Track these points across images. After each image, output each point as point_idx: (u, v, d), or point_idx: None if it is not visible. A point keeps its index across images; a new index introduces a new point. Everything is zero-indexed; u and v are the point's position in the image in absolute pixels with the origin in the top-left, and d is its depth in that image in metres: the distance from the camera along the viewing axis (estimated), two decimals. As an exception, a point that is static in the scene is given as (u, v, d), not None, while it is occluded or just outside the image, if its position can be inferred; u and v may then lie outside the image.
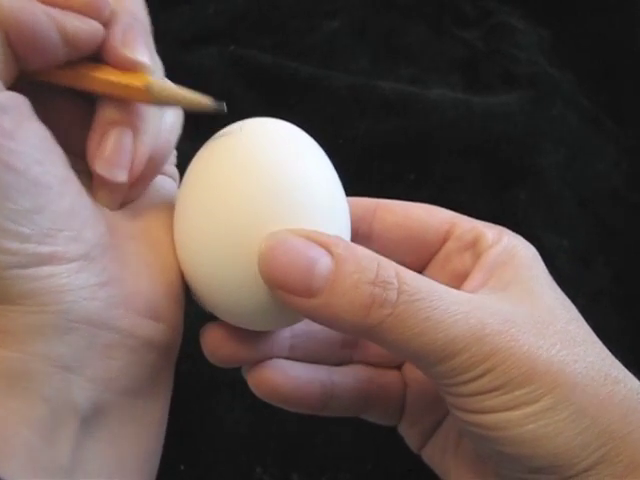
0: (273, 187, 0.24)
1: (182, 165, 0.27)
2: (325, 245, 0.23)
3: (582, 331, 0.25)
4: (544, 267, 0.28)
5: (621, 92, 0.52)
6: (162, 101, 0.24)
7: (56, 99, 0.25)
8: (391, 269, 0.23)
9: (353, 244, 0.24)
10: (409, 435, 0.30)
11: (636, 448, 0.23)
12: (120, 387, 0.24)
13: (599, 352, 0.25)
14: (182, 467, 0.36)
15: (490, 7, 0.56)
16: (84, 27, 0.23)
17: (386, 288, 0.23)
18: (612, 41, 0.54)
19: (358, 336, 0.24)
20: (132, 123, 0.25)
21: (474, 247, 0.28)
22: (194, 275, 0.25)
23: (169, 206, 0.27)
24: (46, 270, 0.22)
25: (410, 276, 0.23)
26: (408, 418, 0.30)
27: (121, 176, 0.25)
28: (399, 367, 0.30)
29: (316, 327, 0.28)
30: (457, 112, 0.48)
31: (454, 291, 0.24)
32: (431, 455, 0.30)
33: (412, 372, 0.30)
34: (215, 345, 0.27)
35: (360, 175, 0.45)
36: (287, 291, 0.23)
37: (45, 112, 0.23)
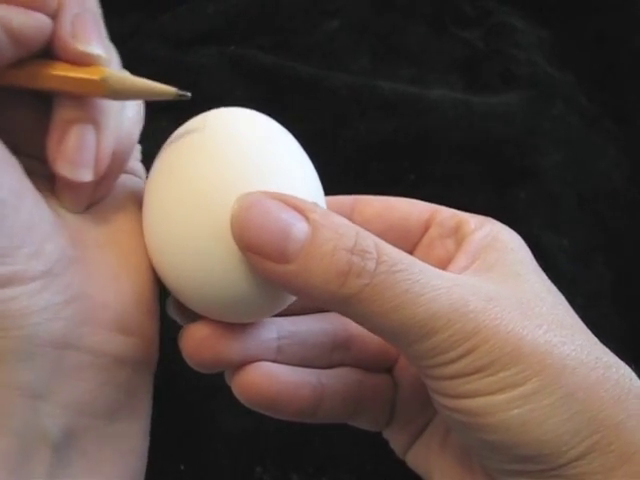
0: (241, 169, 0.23)
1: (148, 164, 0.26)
2: (301, 210, 0.22)
3: (569, 316, 0.24)
4: (530, 253, 0.27)
5: (621, 92, 0.52)
6: (121, 93, 0.23)
7: (7, 100, 0.23)
8: (370, 239, 0.22)
9: (330, 212, 0.23)
10: (397, 439, 0.29)
11: (629, 437, 0.21)
12: (93, 410, 0.23)
13: (588, 337, 0.24)
14: (182, 467, 0.36)
15: (490, 7, 0.56)
16: (30, 22, 0.21)
17: (364, 257, 0.21)
18: (612, 41, 0.54)
19: (333, 308, 0.22)
20: (92, 118, 0.23)
21: (457, 233, 0.27)
22: (168, 269, 0.24)
23: (136, 207, 0.25)
24: (6, 293, 0.21)
25: (390, 248, 0.22)
26: (398, 421, 0.29)
27: (86, 175, 0.23)
28: (390, 370, 0.29)
29: (304, 328, 0.27)
30: (457, 112, 0.48)
31: (436, 269, 0.23)
32: (416, 458, 0.28)
33: (404, 372, 0.29)
34: (195, 347, 0.25)
35: (360, 175, 0.45)
36: (260, 255, 0.22)
37: None
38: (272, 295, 0.24)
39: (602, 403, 0.22)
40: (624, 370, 0.23)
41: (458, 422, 0.23)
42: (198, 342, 0.25)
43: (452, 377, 0.22)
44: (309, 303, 0.27)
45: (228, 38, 0.51)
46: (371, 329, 0.23)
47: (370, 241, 0.22)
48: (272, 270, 0.22)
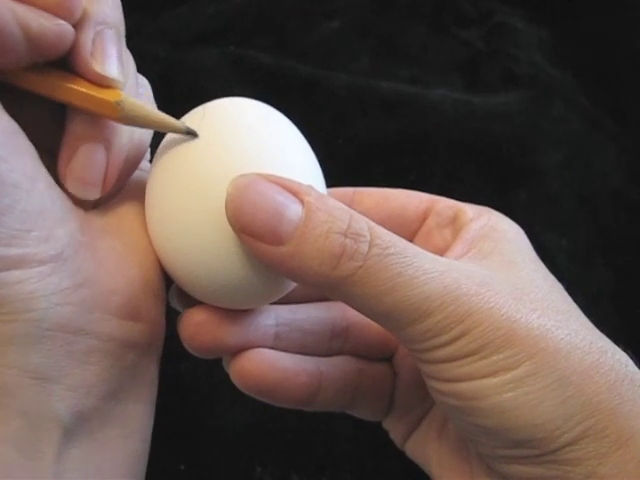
0: (237, 152, 0.23)
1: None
2: (295, 192, 0.22)
3: (565, 302, 0.24)
4: (528, 242, 0.27)
5: (621, 92, 0.52)
6: (132, 120, 0.23)
7: (28, 97, 0.23)
8: (363, 222, 0.22)
9: (325, 195, 0.23)
10: (396, 428, 0.29)
11: (624, 423, 0.21)
12: (101, 392, 0.23)
13: (583, 322, 0.24)
14: (182, 467, 0.36)
15: (490, 7, 0.56)
16: (51, 27, 0.21)
17: (358, 240, 0.22)
18: (612, 41, 0.54)
19: (326, 291, 0.22)
20: (103, 137, 0.23)
21: (454, 222, 0.27)
22: (169, 256, 0.24)
23: (142, 197, 0.25)
24: (15, 275, 0.21)
25: (383, 231, 0.22)
26: (397, 410, 0.29)
27: (93, 194, 0.23)
28: (389, 359, 0.29)
29: (303, 316, 0.27)
30: (457, 112, 0.48)
31: (429, 253, 0.23)
32: (414, 447, 0.29)
33: (403, 361, 0.29)
34: (194, 330, 0.25)
35: (360, 175, 0.45)
36: (253, 236, 0.22)
37: (16, 107, 0.22)
38: (270, 281, 0.24)
39: (596, 388, 0.21)
40: (619, 355, 0.23)
41: (452, 407, 0.23)
42: (196, 326, 0.25)
43: (445, 360, 0.22)
44: (305, 288, 0.26)
45: (228, 38, 0.51)
46: (364, 312, 0.23)
47: (363, 224, 0.22)
48: (266, 252, 0.22)
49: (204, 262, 0.23)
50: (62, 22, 0.21)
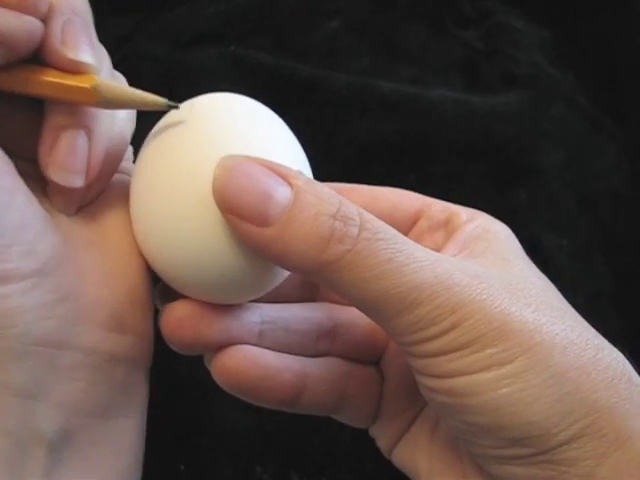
0: (224, 140, 0.23)
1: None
2: (284, 175, 0.21)
3: (559, 300, 0.24)
4: (519, 245, 0.26)
5: (621, 92, 0.52)
6: (112, 102, 0.23)
7: (0, 97, 0.23)
8: (353, 207, 0.22)
9: (314, 180, 0.22)
10: (383, 434, 0.28)
11: (622, 422, 0.21)
12: (88, 408, 0.22)
13: (578, 319, 0.23)
14: (182, 467, 0.36)
15: (490, 7, 0.56)
16: (20, 25, 0.21)
17: (347, 223, 0.21)
18: (612, 41, 0.54)
19: (313, 276, 0.22)
20: (84, 124, 0.23)
21: (447, 225, 0.27)
22: (153, 249, 0.24)
23: (127, 205, 0.25)
24: None
25: (373, 217, 0.22)
26: (385, 415, 0.28)
27: (77, 181, 0.23)
28: (377, 363, 0.28)
29: (289, 314, 0.26)
30: (457, 112, 0.48)
31: (420, 245, 0.22)
32: (403, 454, 0.27)
33: (391, 364, 0.28)
34: (175, 324, 0.24)
35: (360, 175, 0.45)
36: (240, 217, 0.21)
37: None
38: (257, 273, 0.23)
39: (594, 385, 0.21)
40: (616, 354, 0.22)
41: (444, 405, 0.22)
42: (178, 320, 0.24)
43: (436, 354, 0.21)
44: (291, 288, 0.26)
45: (228, 38, 0.51)
46: (351, 300, 0.22)
47: (353, 209, 0.22)
48: (252, 233, 0.21)
49: (189, 251, 0.23)
50: (30, 18, 0.21)
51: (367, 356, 0.28)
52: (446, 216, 0.27)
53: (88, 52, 0.22)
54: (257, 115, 0.24)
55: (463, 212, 0.27)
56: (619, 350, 0.23)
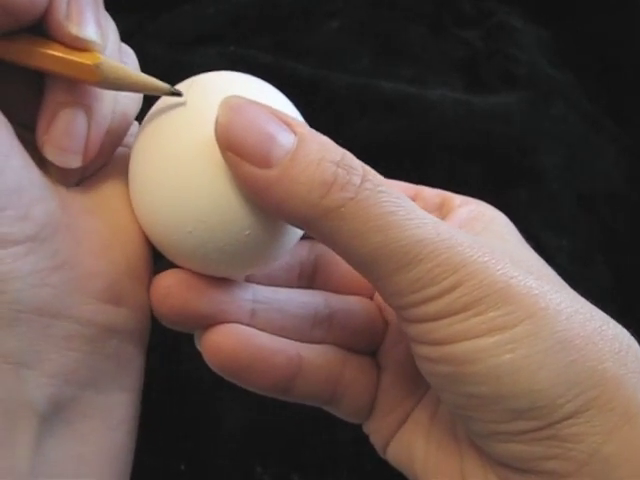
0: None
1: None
2: (289, 124, 0.21)
3: (560, 280, 0.23)
4: (517, 231, 0.26)
5: (621, 92, 0.52)
6: (114, 83, 0.22)
7: (1, 64, 0.22)
8: (356, 160, 0.21)
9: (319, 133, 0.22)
10: (379, 429, 0.27)
11: (631, 395, 0.19)
12: (81, 380, 0.22)
13: (580, 297, 0.22)
14: (182, 467, 0.36)
15: (490, 7, 0.56)
16: None
17: (350, 172, 0.20)
18: (612, 41, 0.54)
19: (311, 225, 0.21)
20: (84, 103, 0.22)
21: (441, 209, 0.26)
22: (149, 217, 0.23)
23: (127, 177, 0.24)
24: None
25: (376, 174, 0.21)
26: (381, 409, 0.27)
27: (74, 162, 0.22)
28: (374, 354, 0.27)
29: (284, 297, 0.26)
30: (457, 112, 0.48)
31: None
32: (398, 449, 0.26)
33: (389, 354, 0.27)
34: (163, 293, 0.23)
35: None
36: (241, 155, 0.20)
37: None
38: (252, 246, 0.22)
39: (601, 355, 0.20)
40: (620, 329, 0.22)
41: (444, 376, 0.21)
42: (165, 289, 0.23)
43: (436, 317, 0.20)
44: (289, 221, 0.24)
45: (228, 38, 0.51)
46: (349, 253, 0.21)
47: (357, 161, 0.21)
48: (252, 174, 0.20)
49: (182, 215, 0.22)
50: None
51: (364, 345, 0.27)
52: (440, 199, 0.27)
53: (93, 29, 0.21)
54: (260, 90, 0.24)
55: (456, 197, 0.27)
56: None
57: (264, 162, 0.20)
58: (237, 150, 0.20)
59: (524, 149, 0.48)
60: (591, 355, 0.20)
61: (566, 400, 0.19)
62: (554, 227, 0.45)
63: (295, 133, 0.21)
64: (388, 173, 0.49)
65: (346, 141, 0.51)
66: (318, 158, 0.20)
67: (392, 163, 0.46)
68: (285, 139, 0.21)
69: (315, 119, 0.47)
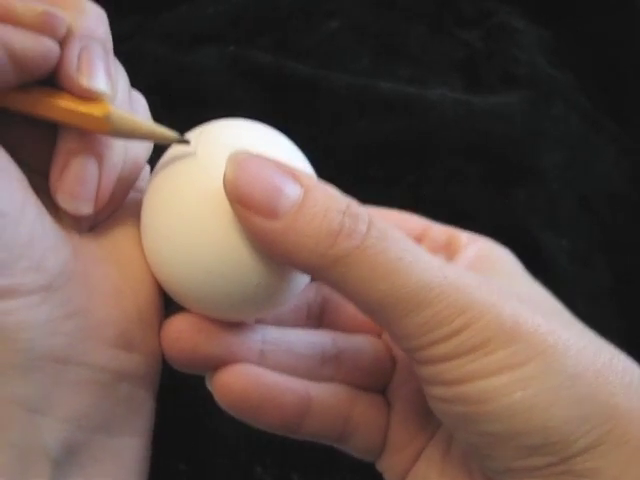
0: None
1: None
2: (295, 175, 0.21)
3: (567, 313, 0.23)
4: (522, 267, 0.26)
5: (622, 92, 0.52)
6: (123, 133, 0.22)
7: (15, 117, 0.23)
8: (362, 208, 0.22)
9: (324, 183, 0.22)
10: (392, 467, 0.27)
11: None
12: (93, 425, 0.22)
13: (588, 330, 0.23)
14: (182, 467, 0.36)
15: (490, 7, 0.56)
16: (36, 47, 0.20)
17: (357, 220, 0.21)
18: (612, 41, 0.54)
19: (319, 274, 0.21)
20: (95, 151, 0.22)
21: (449, 248, 0.27)
22: (161, 264, 0.23)
23: (138, 222, 0.24)
24: (2, 305, 0.20)
25: (381, 219, 0.21)
26: (392, 446, 0.27)
27: (86, 209, 0.23)
28: (383, 392, 0.28)
29: (292, 337, 0.26)
30: (457, 112, 0.48)
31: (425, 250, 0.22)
32: None
33: (398, 392, 0.27)
34: (174, 337, 0.23)
35: (360, 175, 0.45)
36: (249, 207, 0.21)
37: (3, 129, 0.22)
38: (261, 292, 0.23)
39: (612, 388, 0.20)
40: (629, 362, 0.22)
41: (457, 415, 0.21)
42: (176, 333, 0.24)
43: (446, 358, 0.21)
44: (298, 268, 0.24)
45: (228, 38, 0.51)
46: (358, 299, 0.21)
47: (362, 209, 0.22)
48: (260, 226, 0.21)
49: (194, 262, 0.22)
50: (47, 40, 0.21)
51: (373, 383, 0.27)
52: (446, 238, 0.27)
53: (103, 79, 0.22)
54: (269, 141, 0.24)
55: (463, 235, 0.27)
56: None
57: (271, 214, 0.21)
58: (245, 203, 0.21)
59: (524, 149, 0.47)
60: (602, 389, 0.20)
61: (579, 435, 0.20)
62: (554, 227, 0.45)
63: (301, 184, 0.21)
64: (388, 173, 0.49)
65: (346, 141, 0.51)
66: (324, 209, 0.21)
67: (392, 163, 0.46)
68: (291, 191, 0.21)
69: (315, 119, 0.47)
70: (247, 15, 0.53)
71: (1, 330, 0.20)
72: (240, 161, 0.21)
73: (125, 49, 0.47)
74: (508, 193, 0.46)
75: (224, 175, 0.21)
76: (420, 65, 0.52)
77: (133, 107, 0.25)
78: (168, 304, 0.25)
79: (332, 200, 0.21)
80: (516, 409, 0.20)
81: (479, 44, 0.54)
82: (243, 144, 0.23)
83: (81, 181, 0.22)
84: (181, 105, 0.44)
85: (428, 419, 0.26)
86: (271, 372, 0.25)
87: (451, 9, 0.55)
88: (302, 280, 0.24)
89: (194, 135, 0.24)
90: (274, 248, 0.21)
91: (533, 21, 0.56)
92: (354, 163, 0.45)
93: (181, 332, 0.24)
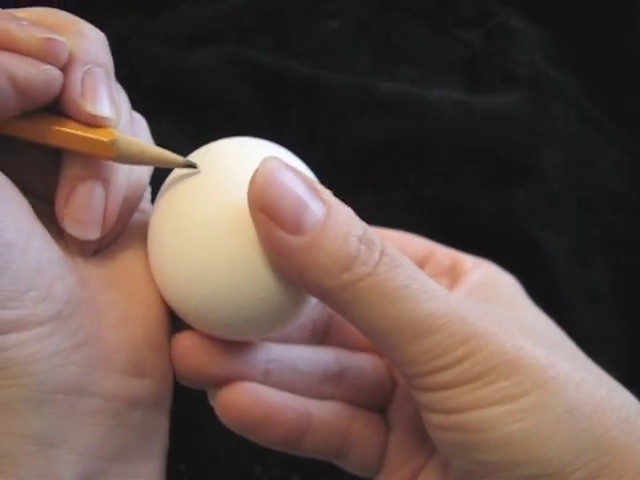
0: (242, 177, 0.22)
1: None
2: (318, 191, 0.22)
3: (569, 342, 0.24)
4: (524, 292, 0.26)
5: (622, 92, 0.52)
6: (129, 158, 0.22)
7: (19, 143, 0.22)
8: (376, 234, 0.22)
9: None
10: None
11: None
12: (107, 454, 0.22)
13: (589, 361, 0.23)
14: (182, 467, 0.36)
15: (490, 7, 0.56)
16: (39, 74, 0.20)
17: (371, 247, 0.21)
18: (612, 41, 0.54)
19: (329, 296, 0.21)
20: (101, 176, 0.22)
21: (452, 272, 0.27)
22: (170, 285, 0.24)
23: (144, 245, 0.25)
24: (13, 338, 0.20)
25: (393, 246, 0.22)
26: (389, 466, 0.27)
27: (93, 234, 0.23)
28: (382, 411, 0.28)
29: (296, 354, 0.26)
30: (457, 112, 0.48)
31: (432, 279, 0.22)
32: None
33: (398, 412, 0.28)
34: (181, 352, 0.24)
35: (360, 176, 0.45)
36: (274, 218, 0.21)
37: (7, 156, 0.21)
38: (267, 313, 0.23)
39: (609, 422, 0.20)
40: (628, 395, 0.22)
41: (455, 443, 0.22)
42: (184, 349, 0.24)
43: (447, 386, 0.21)
44: (308, 288, 0.25)
45: (228, 38, 0.51)
46: (364, 324, 0.22)
47: (376, 235, 0.22)
48: (281, 239, 0.21)
49: (202, 284, 0.22)
50: (49, 67, 0.21)
51: (373, 403, 0.28)
52: (451, 261, 0.27)
53: (107, 105, 0.22)
54: (277, 151, 0.24)
55: (467, 259, 0.27)
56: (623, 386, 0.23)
57: (296, 229, 0.21)
58: (270, 213, 0.21)
59: (524, 149, 0.47)
60: (599, 423, 0.20)
61: (575, 468, 0.20)
62: (554, 227, 0.45)
63: (323, 202, 0.21)
64: (388, 173, 0.49)
65: (346, 141, 0.51)
66: (345, 231, 0.21)
67: (392, 163, 0.46)
68: (316, 208, 0.21)
69: (315, 119, 0.47)
70: (247, 15, 0.53)
71: (12, 364, 0.20)
72: (272, 169, 0.21)
73: (125, 49, 0.47)
74: (508, 193, 0.46)
75: (251, 179, 0.21)
76: (420, 65, 0.52)
77: (135, 130, 0.25)
78: (176, 321, 0.25)
79: (352, 223, 0.22)
80: (515, 439, 0.20)
81: (479, 44, 0.54)
82: (250, 163, 0.22)
83: (88, 207, 0.22)
84: (181, 105, 0.44)
85: (426, 441, 0.26)
86: (273, 390, 0.25)
87: (451, 9, 0.55)
88: (308, 302, 0.25)
89: (199, 154, 0.24)
90: (289, 263, 0.21)
91: (533, 21, 0.56)
92: (354, 163, 0.45)
93: (187, 349, 0.24)
